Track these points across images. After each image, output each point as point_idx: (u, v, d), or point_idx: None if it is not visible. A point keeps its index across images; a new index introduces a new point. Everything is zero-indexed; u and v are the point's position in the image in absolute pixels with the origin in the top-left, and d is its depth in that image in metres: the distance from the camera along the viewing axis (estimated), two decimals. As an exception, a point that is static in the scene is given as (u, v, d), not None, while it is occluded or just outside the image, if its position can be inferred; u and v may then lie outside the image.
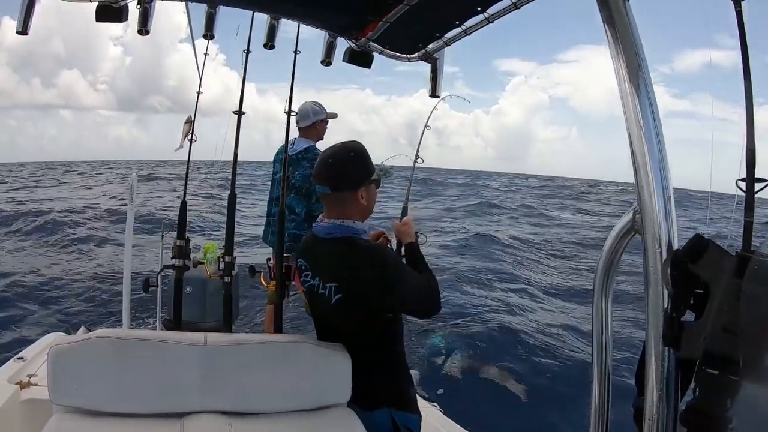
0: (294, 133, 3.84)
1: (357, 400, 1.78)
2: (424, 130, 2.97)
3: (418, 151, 2.87)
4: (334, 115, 3.97)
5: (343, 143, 1.89)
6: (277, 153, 3.89)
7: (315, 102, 3.93)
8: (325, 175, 1.83)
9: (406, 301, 1.85)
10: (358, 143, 1.88)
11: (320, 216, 1.92)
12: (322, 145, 3.80)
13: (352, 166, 1.83)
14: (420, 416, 1.93)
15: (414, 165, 2.85)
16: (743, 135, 0.91)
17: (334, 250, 1.82)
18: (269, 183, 4.08)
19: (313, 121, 3.81)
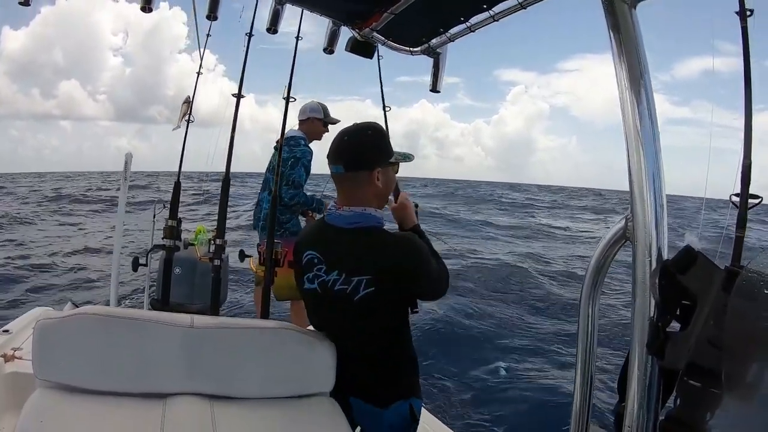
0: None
1: (371, 398, 1.70)
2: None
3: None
4: (334, 121, 4.12)
5: (361, 122, 1.74)
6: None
7: (319, 102, 4.14)
8: (339, 152, 1.67)
9: (431, 287, 1.73)
10: (377, 123, 1.75)
11: (331, 203, 1.77)
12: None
13: (369, 143, 1.68)
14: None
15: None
16: (740, 150, 0.91)
17: (363, 242, 1.64)
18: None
19: (308, 117, 4.00)
